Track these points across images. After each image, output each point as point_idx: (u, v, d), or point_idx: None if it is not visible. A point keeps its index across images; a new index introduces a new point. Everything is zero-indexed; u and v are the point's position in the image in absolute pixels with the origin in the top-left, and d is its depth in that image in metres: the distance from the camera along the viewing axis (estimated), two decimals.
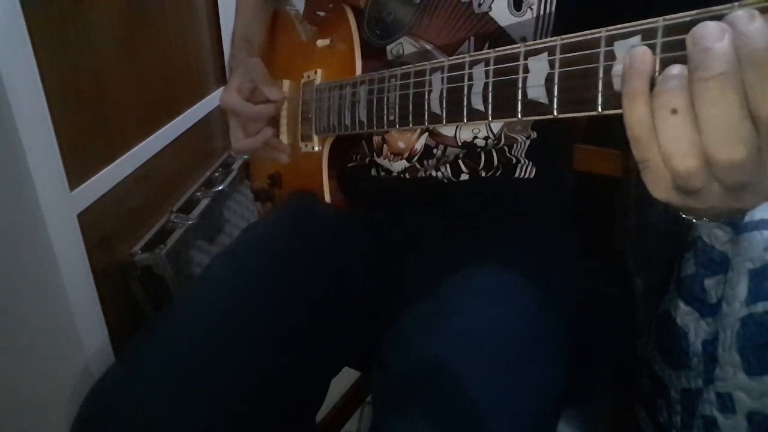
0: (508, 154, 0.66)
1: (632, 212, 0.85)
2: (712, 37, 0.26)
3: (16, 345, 0.83)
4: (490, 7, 0.58)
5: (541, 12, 0.58)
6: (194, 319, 0.54)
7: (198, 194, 1.27)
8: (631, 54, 0.29)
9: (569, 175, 0.74)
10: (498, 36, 0.59)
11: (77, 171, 0.93)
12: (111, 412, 0.48)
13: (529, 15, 0.58)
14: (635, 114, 0.29)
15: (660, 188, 0.31)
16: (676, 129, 0.27)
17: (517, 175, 0.66)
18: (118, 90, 1.04)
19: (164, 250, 1.07)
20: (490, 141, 0.64)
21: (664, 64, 0.29)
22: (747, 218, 0.67)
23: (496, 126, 0.63)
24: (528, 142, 0.65)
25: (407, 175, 0.68)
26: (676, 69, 0.27)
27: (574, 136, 0.80)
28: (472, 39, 0.60)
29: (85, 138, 0.96)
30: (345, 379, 1.05)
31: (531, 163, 0.66)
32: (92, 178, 0.97)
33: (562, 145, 0.72)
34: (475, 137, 0.64)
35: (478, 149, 0.65)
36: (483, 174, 0.66)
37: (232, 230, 1.31)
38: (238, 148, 0.71)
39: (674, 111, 0.27)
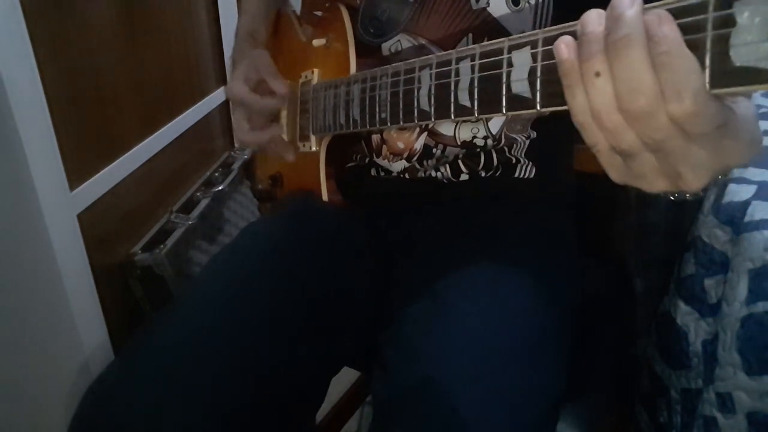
0: (507, 154, 0.66)
1: (632, 212, 0.85)
2: (624, 6, 0.29)
3: (16, 344, 0.83)
4: (487, 2, 0.58)
5: (539, 1, 0.58)
6: (193, 319, 0.55)
7: (198, 194, 1.27)
8: (559, 50, 0.32)
9: (569, 175, 0.74)
10: (497, 30, 0.59)
11: (77, 171, 0.93)
12: (109, 411, 0.48)
13: (527, 8, 0.58)
14: (578, 103, 0.32)
15: (612, 168, 0.34)
16: (599, 88, 0.30)
17: (516, 175, 0.66)
18: (118, 90, 1.04)
19: (164, 250, 1.07)
20: (489, 141, 0.64)
21: None
22: (747, 218, 0.67)
23: (495, 126, 0.63)
24: (528, 142, 0.65)
25: (407, 176, 0.68)
26: (594, 40, 0.30)
27: (574, 136, 0.79)
28: (471, 35, 0.60)
29: (85, 138, 0.96)
30: (345, 379, 1.05)
31: (531, 163, 0.66)
32: (92, 178, 0.97)
33: (562, 145, 0.72)
34: (475, 137, 0.64)
35: (478, 149, 0.65)
36: (483, 174, 0.66)
37: (232, 230, 1.31)
38: (243, 141, 0.71)
39: (597, 74, 0.30)
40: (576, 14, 0.32)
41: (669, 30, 0.28)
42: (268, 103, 0.67)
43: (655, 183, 0.33)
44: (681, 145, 0.30)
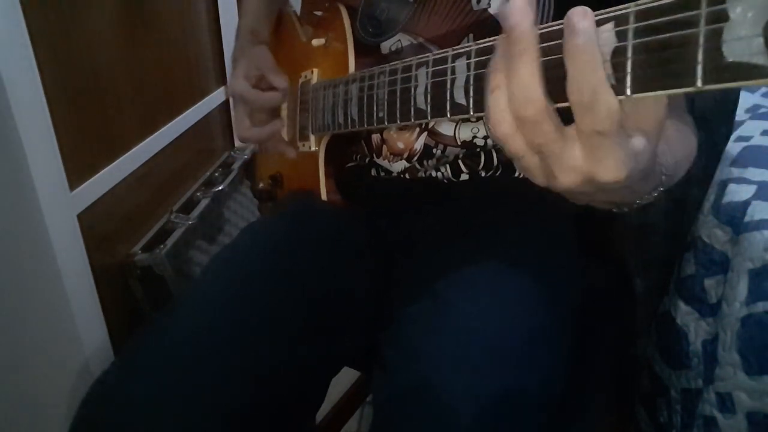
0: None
1: (632, 212, 0.85)
2: (515, 18, 0.31)
3: (16, 344, 0.83)
4: (488, 3, 0.58)
5: (541, 1, 0.57)
6: (193, 319, 0.55)
7: (198, 194, 1.27)
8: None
9: None
10: (498, 31, 0.59)
11: (77, 171, 0.93)
12: (110, 411, 0.48)
13: None
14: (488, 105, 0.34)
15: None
16: (496, 99, 0.33)
17: (517, 174, 0.66)
18: (118, 90, 1.04)
19: (164, 250, 1.07)
20: (489, 141, 0.64)
21: (636, 50, 0.29)
22: (747, 218, 0.67)
23: None
24: None
25: (407, 176, 0.68)
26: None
27: None
28: (471, 35, 0.60)
29: (85, 138, 0.96)
30: (345, 379, 1.05)
31: None
32: (92, 178, 0.97)
33: None
34: (475, 137, 0.64)
35: (478, 149, 0.65)
36: (483, 174, 0.66)
37: (232, 230, 1.31)
38: (244, 137, 0.71)
39: (493, 90, 0.33)
40: None
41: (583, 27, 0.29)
42: (270, 98, 0.68)
43: (537, 179, 0.36)
44: (559, 149, 0.32)
